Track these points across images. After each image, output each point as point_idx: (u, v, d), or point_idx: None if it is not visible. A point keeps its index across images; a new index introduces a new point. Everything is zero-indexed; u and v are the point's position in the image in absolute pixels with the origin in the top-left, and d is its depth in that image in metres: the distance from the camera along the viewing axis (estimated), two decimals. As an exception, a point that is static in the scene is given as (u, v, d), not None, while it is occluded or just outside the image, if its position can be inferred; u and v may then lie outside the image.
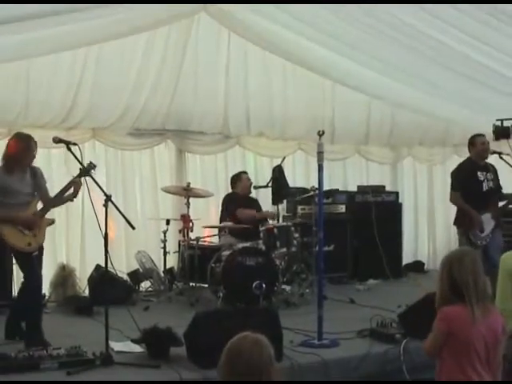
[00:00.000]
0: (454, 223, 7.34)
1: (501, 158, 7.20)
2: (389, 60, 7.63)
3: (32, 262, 5.86)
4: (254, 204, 8.63)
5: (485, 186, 7.10)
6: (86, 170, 5.74)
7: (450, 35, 6.61)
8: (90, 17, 6.34)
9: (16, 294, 6.30)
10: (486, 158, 7.30)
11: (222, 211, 8.45)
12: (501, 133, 8.04)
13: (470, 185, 7.08)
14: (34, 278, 5.85)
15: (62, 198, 5.98)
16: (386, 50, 7.31)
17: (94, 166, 5.86)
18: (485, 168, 7.21)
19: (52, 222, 6.20)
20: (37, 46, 6.70)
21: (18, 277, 7.47)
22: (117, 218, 6.76)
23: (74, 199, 6.03)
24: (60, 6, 5.79)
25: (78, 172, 5.75)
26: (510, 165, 7.20)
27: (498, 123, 8.09)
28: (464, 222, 7.10)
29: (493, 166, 7.37)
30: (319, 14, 6.66)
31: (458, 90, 8.20)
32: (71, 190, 5.86)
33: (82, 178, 5.72)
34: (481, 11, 6.08)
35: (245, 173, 8.76)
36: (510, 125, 8.03)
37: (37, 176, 5.99)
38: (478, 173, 7.12)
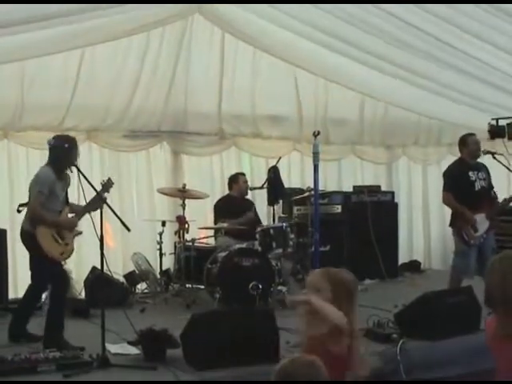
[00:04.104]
0: (450, 225, 7.30)
1: (494, 157, 7.17)
2: (385, 56, 7.66)
3: (61, 270, 5.92)
4: (249, 206, 8.59)
5: (477, 186, 7.06)
6: (107, 186, 5.85)
7: (448, 31, 6.67)
8: (84, 19, 6.36)
9: (22, 297, 6.26)
10: (479, 156, 7.27)
11: (214, 216, 8.46)
12: (496, 132, 8.05)
13: (462, 185, 7.04)
14: (62, 285, 5.93)
15: (88, 209, 5.88)
16: (382, 46, 7.33)
17: (112, 183, 5.93)
18: (476, 167, 7.18)
19: (80, 232, 6.16)
20: (31, 49, 6.72)
21: (14, 280, 7.50)
22: (112, 220, 6.76)
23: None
24: (54, 6, 5.81)
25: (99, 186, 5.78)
26: (503, 164, 7.18)
27: (494, 122, 8.10)
28: (458, 222, 7.09)
29: (484, 165, 7.34)
30: (314, 12, 6.69)
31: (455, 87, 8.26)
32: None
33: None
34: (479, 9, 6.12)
35: (242, 174, 8.73)
36: (505, 124, 8.04)
37: (68, 183, 6.00)
38: (470, 172, 7.08)
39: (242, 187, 8.56)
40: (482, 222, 7.01)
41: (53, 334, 5.72)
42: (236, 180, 8.60)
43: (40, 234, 5.67)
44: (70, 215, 5.97)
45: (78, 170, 5.63)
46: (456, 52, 7.12)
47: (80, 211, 5.96)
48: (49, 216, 5.73)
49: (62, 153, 5.77)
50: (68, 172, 5.95)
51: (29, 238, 5.76)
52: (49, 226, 5.70)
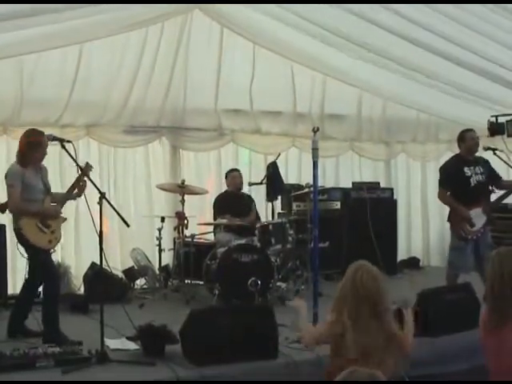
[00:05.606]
0: (448, 220, 7.33)
1: (495, 154, 7.17)
2: (383, 51, 7.66)
3: (51, 260, 5.99)
4: (245, 202, 8.51)
5: (472, 181, 7.05)
6: (85, 170, 5.89)
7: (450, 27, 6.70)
8: (81, 15, 6.36)
9: (19, 293, 6.27)
10: (476, 152, 7.27)
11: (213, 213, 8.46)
12: (496, 129, 8.06)
13: (457, 181, 7.05)
14: (54, 276, 6.01)
15: (68, 196, 6.08)
16: (386, 44, 7.35)
17: (91, 167, 6.02)
18: (474, 162, 7.16)
19: (65, 219, 6.23)
20: (28, 44, 6.73)
21: (13, 276, 7.50)
22: (110, 216, 6.77)
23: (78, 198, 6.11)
24: (50, 5, 5.81)
25: (75, 171, 5.86)
26: (504, 161, 7.19)
27: (493, 119, 8.10)
28: (455, 218, 7.09)
29: (484, 159, 7.32)
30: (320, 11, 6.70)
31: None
32: (76, 190, 5.97)
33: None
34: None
35: (234, 170, 8.68)
36: (504, 121, 8.04)
37: (44, 174, 6.06)
38: (465, 168, 7.08)
39: (232, 182, 8.49)
40: (478, 216, 7.01)
41: (50, 329, 5.76)
42: (228, 176, 8.61)
43: (24, 225, 5.75)
44: (52, 204, 6.03)
45: (74, 160, 5.66)
46: (463, 50, 7.15)
47: (61, 199, 6.07)
48: (31, 207, 5.81)
49: (26, 146, 5.89)
50: (40, 164, 6.02)
51: (17, 234, 5.86)
52: (32, 216, 5.77)
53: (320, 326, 4.65)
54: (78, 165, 5.68)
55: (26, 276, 6.01)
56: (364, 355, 3.77)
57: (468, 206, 6.97)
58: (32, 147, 5.87)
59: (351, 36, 7.30)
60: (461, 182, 7.04)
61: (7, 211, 6.07)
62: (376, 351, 3.86)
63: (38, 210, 5.83)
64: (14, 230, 5.90)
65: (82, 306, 7.01)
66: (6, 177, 5.90)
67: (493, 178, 7.17)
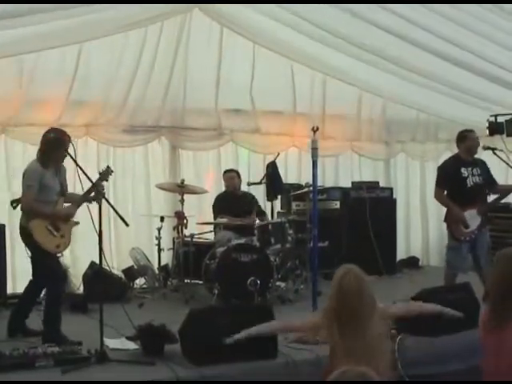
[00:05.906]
0: (444, 220, 7.34)
1: (494, 153, 7.17)
2: (381, 51, 7.67)
3: (57, 262, 5.92)
4: (244, 201, 8.46)
5: (469, 182, 7.05)
6: (105, 175, 5.83)
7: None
8: (79, 15, 6.37)
9: (22, 293, 6.25)
10: (475, 153, 7.26)
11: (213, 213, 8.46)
12: (495, 128, 8.07)
13: (454, 181, 7.05)
14: (59, 278, 5.96)
15: (85, 198, 5.89)
16: (385, 45, 7.36)
17: (111, 171, 5.94)
18: (471, 163, 7.15)
19: (77, 223, 6.08)
20: (27, 43, 6.72)
21: (12, 275, 7.50)
22: (108, 215, 6.76)
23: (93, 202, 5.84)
24: (49, 5, 5.82)
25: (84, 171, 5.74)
26: (503, 160, 7.19)
27: (492, 119, 8.10)
28: (450, 218, 7.10)
29: (482, 161, 7.33)
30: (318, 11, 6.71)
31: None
32: (93, 193, 5.81)
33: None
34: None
35: (230, 171, 8.65)
36: (503, 120, 8.04)
37: (62, 174, 5.98)
38: (462, 169, 7.07)
39: (227, 184, 8.50)
40: (473, 217, 7.00)
41: (50, 329, 5.73)
42: (223, 177, 8.61)
43: (34, 227, 5.66)
44: (66, 205, 5.96)
45: (74, 159, 5.64)
46: (461, 51, 7.17)
47: (77, 201, 5.94)
48: (44, 208, 5.74)
49: (48, 145, 5.79)
50: (61, 164, 5.94)
51: (24, 233, 5.77)
52: (44, 218, 5.69)
53: (313, 316, 4.62)
54: (77, 165, 5.65)
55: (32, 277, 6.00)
56: (359, 357, 3.77)
57: (463, 206, 6.97)
58: (53, 146, 5.77)
59: (350, 36, 7.30)
60: (457, 182, 7.04)
61: (18, 208, 5.95)
62: (370, 352, 3.86)
63: (50, 212, 5.75)
64: (23, 229, 5.79)
65: (81, 306, 7.01)
66: (24, 175, 5.81)
67: (488, 182, 7.17)
